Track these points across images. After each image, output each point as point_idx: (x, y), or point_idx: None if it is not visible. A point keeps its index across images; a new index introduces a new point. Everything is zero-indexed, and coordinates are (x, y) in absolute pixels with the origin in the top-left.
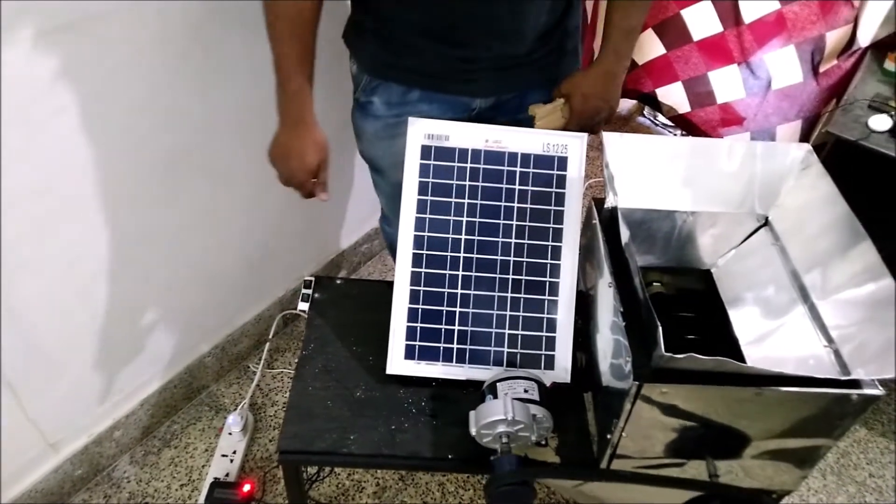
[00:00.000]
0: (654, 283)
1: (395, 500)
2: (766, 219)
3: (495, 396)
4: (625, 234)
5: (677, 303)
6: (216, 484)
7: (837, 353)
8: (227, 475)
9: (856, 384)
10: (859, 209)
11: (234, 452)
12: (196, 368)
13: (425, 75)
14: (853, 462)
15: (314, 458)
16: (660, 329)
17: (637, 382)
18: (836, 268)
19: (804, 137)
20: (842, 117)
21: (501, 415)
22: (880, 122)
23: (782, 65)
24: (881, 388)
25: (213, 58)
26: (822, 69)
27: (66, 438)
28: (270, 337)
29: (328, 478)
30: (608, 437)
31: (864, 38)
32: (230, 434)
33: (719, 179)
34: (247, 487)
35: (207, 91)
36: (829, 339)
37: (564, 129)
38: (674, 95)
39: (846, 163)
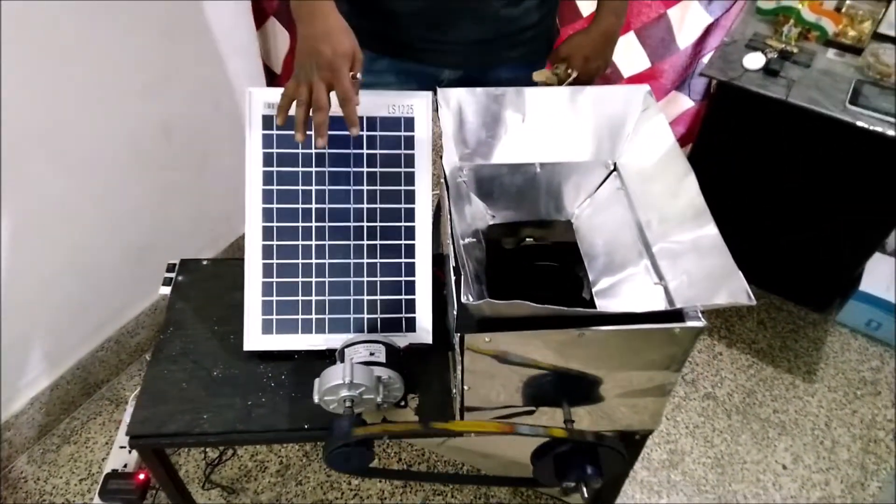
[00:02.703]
0: (528, 238)
1: (299, 477)
2: (615, 165)
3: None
4: (453, 190)
5: (545, 255)
6: (111, 475)
7: (667, 290)
8: (125, 466)
9: (681, 318)
10: (739, 150)
11: None
12: (89, 363)
13: (396, 43)
14: (758, 400)
15: (165, 440)
16: (462, 277)
17: (459, 333)
18: (667, 210)
19: None
20: (719, 58)
21: (340, 379)
22: (754, 61)
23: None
24: (703, 320)
25: (59, 36)
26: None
27: None
28: None
29: (230, 460)
30: (454, 391)
31: None
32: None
33: (567, 128)
34: (142, 476)
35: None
36: (661, 277)
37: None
38: None
39: (730, 104)
